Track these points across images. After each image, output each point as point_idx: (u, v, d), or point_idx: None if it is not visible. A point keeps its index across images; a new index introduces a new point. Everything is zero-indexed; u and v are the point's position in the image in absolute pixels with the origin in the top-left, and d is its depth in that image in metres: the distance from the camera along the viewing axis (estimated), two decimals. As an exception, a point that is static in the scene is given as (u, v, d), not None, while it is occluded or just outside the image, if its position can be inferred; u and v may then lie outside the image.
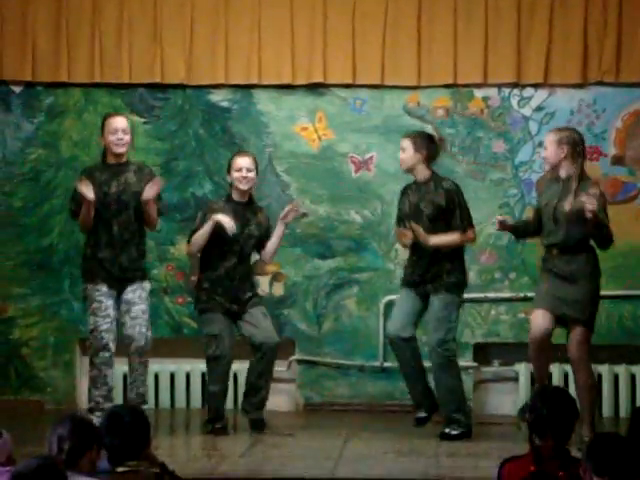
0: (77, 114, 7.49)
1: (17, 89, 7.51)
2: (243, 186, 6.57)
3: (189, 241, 6.60)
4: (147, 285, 6.47)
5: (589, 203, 5.86)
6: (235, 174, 6.56)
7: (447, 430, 6.36)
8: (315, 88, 7.45)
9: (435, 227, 6.38)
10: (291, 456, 5.99)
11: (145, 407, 6.31)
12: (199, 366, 7.41)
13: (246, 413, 6.62)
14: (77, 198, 6.36)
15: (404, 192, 6.54)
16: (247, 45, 7.39)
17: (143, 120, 7.47)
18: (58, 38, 7.40)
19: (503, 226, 6.36)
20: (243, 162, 6.57)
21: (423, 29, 7.34)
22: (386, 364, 7.27)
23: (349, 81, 7.41)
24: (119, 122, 6.43)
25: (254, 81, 7.43)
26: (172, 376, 7.47)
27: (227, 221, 6.41)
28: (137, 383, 6.40)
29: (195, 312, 6.74)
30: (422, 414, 6.45)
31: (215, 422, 6.52)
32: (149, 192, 6.33)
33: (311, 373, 7.44)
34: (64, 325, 7.46)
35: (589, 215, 5.87)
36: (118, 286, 6.36)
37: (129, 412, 3.44)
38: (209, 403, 6.59)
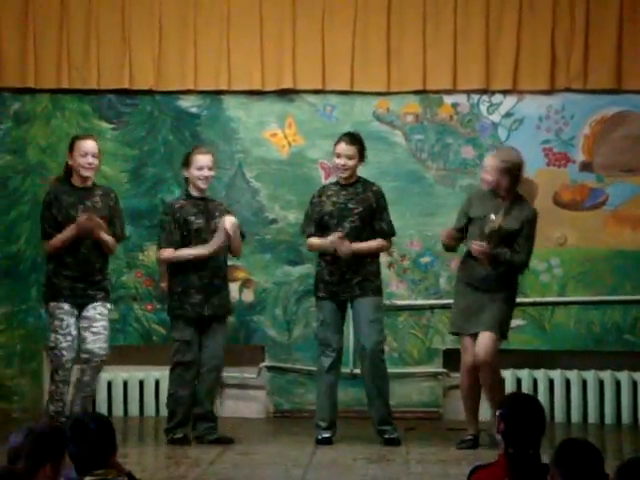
0: (45, 120, 7.43)
1: (-17, 95, 7.47)
2: (203, 185, 6.46)
3: (160, 247, 6.49)
4: (108, 305, 6.44)
5: (476, 246, 6.14)
6: (196, 172, 6.43)
7: (387, 435, 6.40)
8: (285, 94, 7.44)
9: (363, 227, 6.38)
10: (261, 463, 5.97)
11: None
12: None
13: (201, 439, 6.38)
14: (52, 223, 6.33)
15: (321, 193, 6.49)
16: (216, 51, 7.37)
17: (112, 126, 7.43)
18: (25, 43, 7.34)
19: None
20: (204, 161, 6.45)
21: (392, 35, 7.35)
22: (356, 370, 7.25)
23: (319, 87, 7.41)
24: (90, 146, 6.36)
25: (223, 87, 7.41)
26: (141, 384, 7.42)
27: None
28: (82, 386, 6.31)
29: (168, 317, 6.57)
30: (328, 434, 6.41)
31: (176, 430, 6.35)
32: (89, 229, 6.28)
33: (281, 380, 7.41)
34: (31, 333, 7.39)
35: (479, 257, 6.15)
36: (80, 305, 6.35)
37: (94, 419, 3.41)
38: (175, 408, 6.38)
